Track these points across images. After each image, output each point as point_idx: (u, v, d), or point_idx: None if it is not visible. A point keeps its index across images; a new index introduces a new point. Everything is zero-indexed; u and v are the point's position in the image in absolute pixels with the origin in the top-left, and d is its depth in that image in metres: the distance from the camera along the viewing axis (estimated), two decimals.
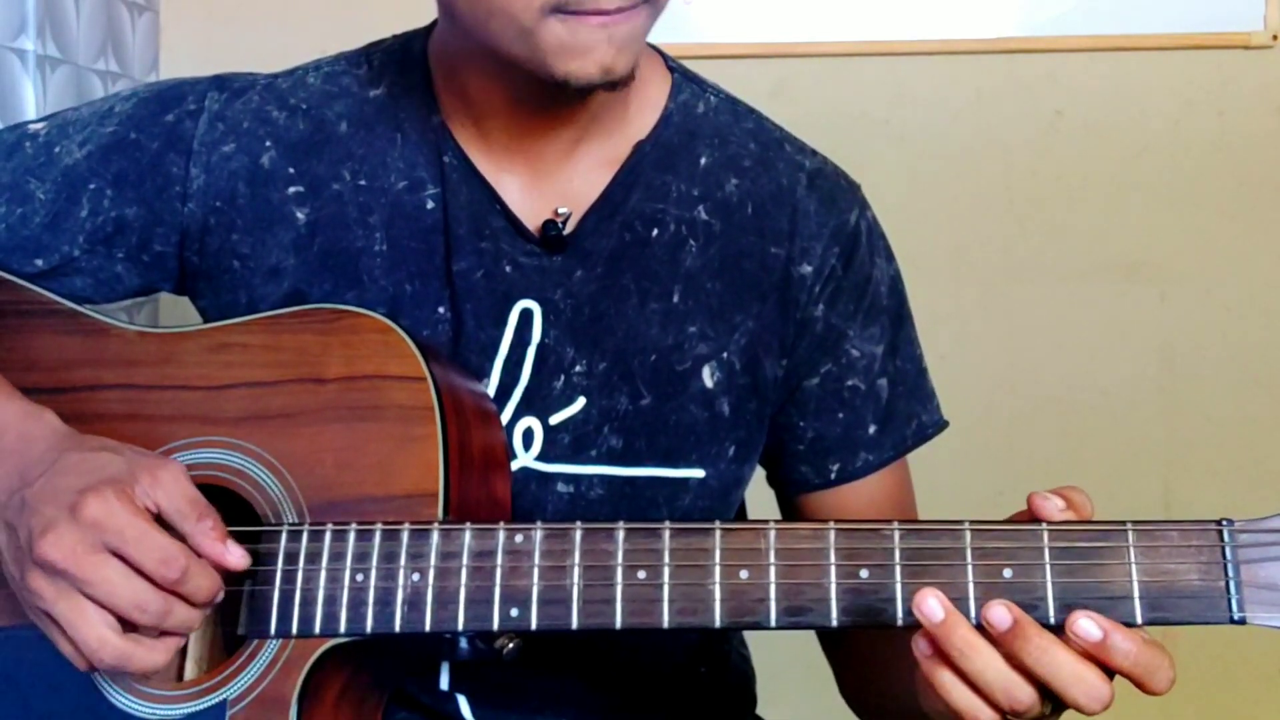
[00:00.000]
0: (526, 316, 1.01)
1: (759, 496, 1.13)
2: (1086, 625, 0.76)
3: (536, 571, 0.85)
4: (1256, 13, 1.90)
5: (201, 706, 0.89)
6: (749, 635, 1.20)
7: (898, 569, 0.80)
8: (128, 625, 0.84)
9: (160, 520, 0.86)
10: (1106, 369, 1.95)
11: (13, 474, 0.88)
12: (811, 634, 0.97)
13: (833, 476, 1.06)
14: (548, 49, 0.89)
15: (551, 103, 0.98)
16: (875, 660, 1.03)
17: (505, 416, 1.01)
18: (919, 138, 1.95)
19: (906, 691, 0.85)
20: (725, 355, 1.03)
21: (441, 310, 1.02)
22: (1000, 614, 0.76)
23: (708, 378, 1.03)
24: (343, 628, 0.87)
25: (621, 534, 0.84)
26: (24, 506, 0.85)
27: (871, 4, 1.93)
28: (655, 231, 1.03)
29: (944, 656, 0.77)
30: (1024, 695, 0.76)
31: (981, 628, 0.77)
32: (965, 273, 1.96)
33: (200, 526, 0.86)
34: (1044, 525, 0.79)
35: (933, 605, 0.77)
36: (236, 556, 0.87)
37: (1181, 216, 1.93)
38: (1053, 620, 0.78)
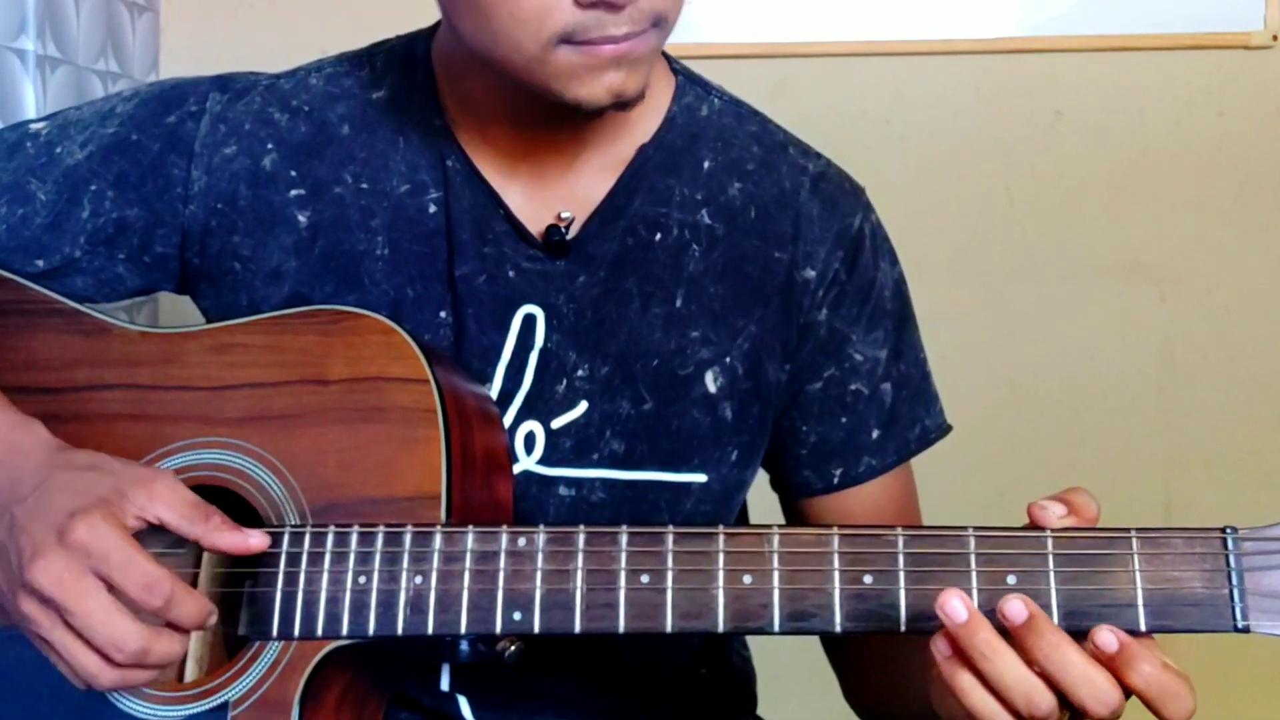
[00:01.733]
0: (529, 321, 1.01)
1: (761, 500, 1.13)
2: (1107, 637, 0.75)
3: (539, 575, 0.85)
4: (1256, 13, 1.89)
5: (203, 708, 0.89)
6: (750, 637, 1.20)
7: (901, 575, 0.80)
8: None
9: (166, 532, 0.86)
10: (1106, 369, 1.94)
11: (3, 487, 0.88)
12: (813, 636, 0.97)
13: (835, 481, 1.06)
14: (557, 76, 0.89)
15: (557, 114, 0.98)
16: (880, 664, 1.03)
17: (507, 421, 1.00)
18: (919, 138, 1.94)
19: (912, 695, 0.85)
20: (728, 359, 1.02)
21: (443, 315, 1.01)
22: (1016, 607, 0.76)
23: (710, 382, 1.02)
24: (345, 630, 0.87)
25: (624, 538, 0.84)
26: (14, 526, 0.85)
27: (871, 4, 1.93)
28: (658, 235, 1.02)
29: (964, 658, 0.77)
30: (1043, 701, 0.76)
31: (999, 628, 0.77)
32: (965, 273, 1.95)
33: (209, 526, 0.86)
34: (1048, 532, 0.79)
35: (956, 605, 0.76)
36: (258, 539, 0.88)
37: (1181, 216, 1.92)
38: None
